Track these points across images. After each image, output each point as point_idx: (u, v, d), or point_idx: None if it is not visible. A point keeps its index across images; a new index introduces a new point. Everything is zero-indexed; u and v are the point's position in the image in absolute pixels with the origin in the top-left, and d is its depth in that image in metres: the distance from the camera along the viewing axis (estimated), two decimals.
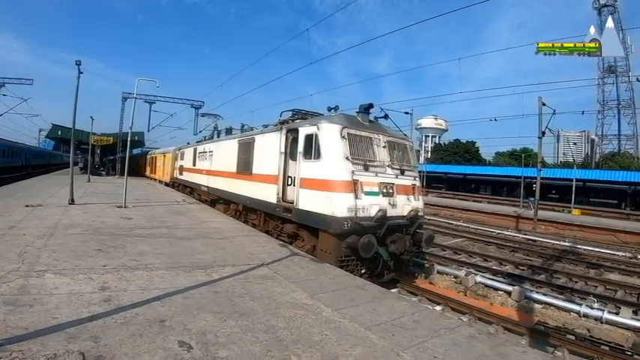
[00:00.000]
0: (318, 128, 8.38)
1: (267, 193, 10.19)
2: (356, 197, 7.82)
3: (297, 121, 10.03)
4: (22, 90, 42.94)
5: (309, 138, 8.60)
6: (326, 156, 8.09)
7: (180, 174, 24.01)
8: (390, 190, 8.66)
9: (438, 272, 11.41)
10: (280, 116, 11.11)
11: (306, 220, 8.58)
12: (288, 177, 9.56)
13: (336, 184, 7.80)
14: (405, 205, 8.90)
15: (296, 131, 9.23)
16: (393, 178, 8.83)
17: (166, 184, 28.66)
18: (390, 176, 8.77)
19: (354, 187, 7.85)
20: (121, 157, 45.38)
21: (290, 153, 9.59)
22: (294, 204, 8.84)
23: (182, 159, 23.91)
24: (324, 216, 7.87)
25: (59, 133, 35.31)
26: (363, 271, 8.40)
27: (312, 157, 8.43)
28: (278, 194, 9.63)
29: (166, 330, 3.85)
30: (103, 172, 36.50)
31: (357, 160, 8.17)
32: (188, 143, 24.69)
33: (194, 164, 20.19)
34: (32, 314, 3.97)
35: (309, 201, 8.39)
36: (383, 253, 8.40)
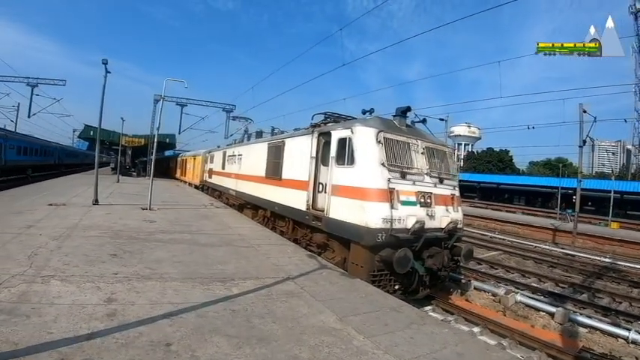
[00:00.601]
0: (352, 132, 7.75)
1: (297, 200, 9.62)
2: (392, 207, 7.16)
3: (330, 124, 9.45)
4: (56, 90, 44.33)
5: (343, 142, 7.98)
6: (360, 162, 7.45)
7: (210, 177, 23.81)
8: (428, 200, 7.96)
9: (475, 289, 10.62)
10: (312, 119, 10.56)
11: (336, 230, 7.93)
12: (319, 183, 8.93)
13: (370, 192, 7.15)
14: (443, 217, 8.19)
15: (328, 135, 8.64)
16: (431, 187, 8.13)
17: (196, 187, 28.63)
18: (428, 185, 8.07)
19: (389, 196, 7.19)
20: (151, 158, 45.96)
21: (322, 158, 8.99)
22: (325, 212, 8.20)
23: (212, 162, 23.70)
24: (356, 226, 7.20)
25: (91, 133, 36.11)
26: (396, 287, 7.73)
27: (346, 162, 7.80)
28: (308, 201, 9.03)
29: (171, 356, 3.30)
30: (134, 173, 36.84)
31: (394, 166, 7.51)
32: (218, 146, 24.54)
33: (223, 167, 19.87)
34: (27, 327, 3.53)
35: (340, 210, 7.74)
36: (419, 268, 7.69)
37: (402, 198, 7.43)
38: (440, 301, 9.27)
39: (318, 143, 9.05)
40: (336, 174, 8.04)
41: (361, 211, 7.12)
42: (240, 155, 16.48)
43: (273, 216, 12.29)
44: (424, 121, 9.42)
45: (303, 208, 9.17)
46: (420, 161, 8.14)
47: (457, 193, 9.02)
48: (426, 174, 8.13)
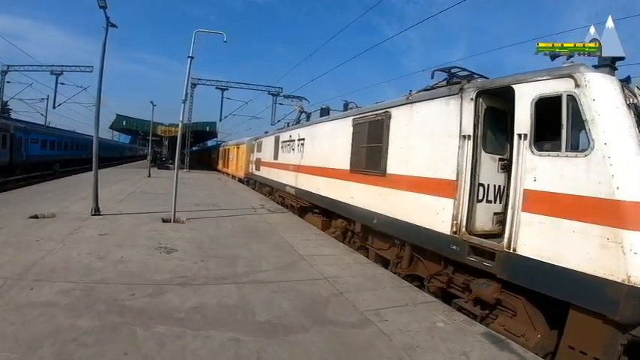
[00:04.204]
0: (575, 83, 3.83)
1: (426, 213, 5.60)
2: None
3: (485, 80, 5.43)
4: (83, 79, 41.53)
5: (551, 105, 4.02)
6: (606, 145, 3.54)
7: (257, 169, 19.93)
8: None
9: None
10: (432, 77, 6.39)
11: (537, 282, 3.97)
12: (479, 185, 4.96)
13: (630, 209, 3.35)
14: None
15: (507, 93, 4.62)
16: None
17: (240, 181, 25.44)
18: None
19: None
20: (191, 149, 43.20)
21: (483, 137, 5.00)
22: (505, 244, 4.23)
23: (259, 151, 19.77)
24: (596, 281, 3.39)
25: (124, 123, 34.10)
26: None
27: (564, 146, 3.84)
28: (456, 219, 4.98)
29: None
30: (172, 166, 34.09)
31: None
32: (266, 132, 20.67)
33: (276, 157, 15.75)
34: None
35: (547, 242, 3.84)
36: None
37: None
38: None
39: (476, 111, 4.98)
40: (533, 169, 4.10)
41: (612, 252, 3.31)
42: (302, 140, 12.28)
43: (363, 230, 8.13)
44: (628, 79, 5.49)
45: (446, 229, 5.10)
46: None
47: None
48: None
